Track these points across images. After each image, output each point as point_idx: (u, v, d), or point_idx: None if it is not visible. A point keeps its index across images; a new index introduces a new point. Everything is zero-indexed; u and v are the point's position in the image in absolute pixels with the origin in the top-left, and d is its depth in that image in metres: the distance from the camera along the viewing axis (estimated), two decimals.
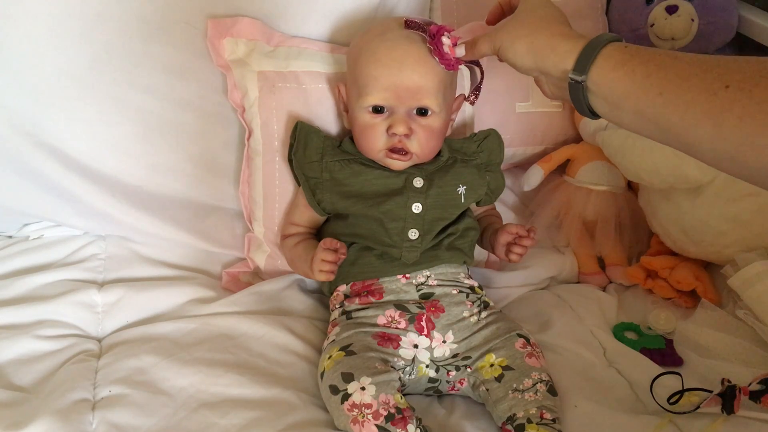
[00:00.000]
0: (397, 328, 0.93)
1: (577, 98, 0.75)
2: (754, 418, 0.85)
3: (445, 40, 0.90)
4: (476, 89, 0.98)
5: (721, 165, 0.66)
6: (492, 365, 0.91)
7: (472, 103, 1.00)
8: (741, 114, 0.61)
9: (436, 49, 0.90)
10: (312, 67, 1.06)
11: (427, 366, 0.93)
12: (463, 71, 1.12)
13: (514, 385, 0.88)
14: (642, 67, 0.69)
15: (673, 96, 0.66)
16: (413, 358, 0.92)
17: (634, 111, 0.70)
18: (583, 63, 0.73)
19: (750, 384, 0.87)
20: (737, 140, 0.62)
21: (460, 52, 0.89)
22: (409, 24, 0.94)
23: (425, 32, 0.92)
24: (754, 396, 0.86)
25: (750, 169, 0.63)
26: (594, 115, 0.77)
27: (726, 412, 0.85)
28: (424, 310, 0.94)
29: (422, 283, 0.97)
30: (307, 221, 1.03)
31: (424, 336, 0.93)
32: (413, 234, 0.96)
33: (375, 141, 0.95)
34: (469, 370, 0.93)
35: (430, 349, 0.93)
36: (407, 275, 0.97)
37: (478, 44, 0.86)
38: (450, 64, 0.91)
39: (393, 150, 0.94)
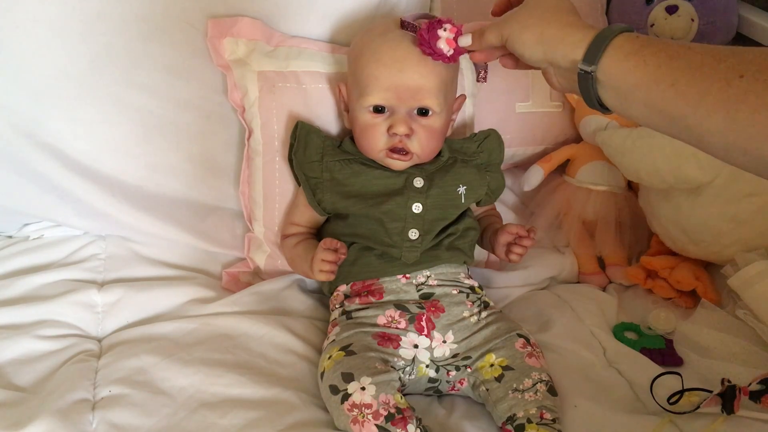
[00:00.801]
0: (397, 328, 0.93)
1: (587, 90, 0.74)
2: (754, 418, 0.85)
3: (442, 33, 0.88)
4: (483, 69, 0.96)
5: (732, 157, 0.65)
6: (492, 365, 0.91)
7: (485, 80, 0.96)
8: (755, 104, 0.60)
9: (427, 44, 0.88)
10: (312, 67, 1.06)
11: (427, 366, 0.93)
12: (464, 71, 1.11)
13: (514, 385, 0.88)
14: (653, 58, 0.68)
15: (685, 86, 0.65)
16: (413, 358, 0.92)
17: (645, 102, 0.69)
18: (593, 53, 0.71)
19: (750, 384, 0.87)
20: (751, 131, 0.61)
21: (466, 41, 0.87)
22: (403, 25, 0.93)
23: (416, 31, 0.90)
24: (754, 396, 0.86)
25: (763, 162, 0.62)
26: (603, 108, 0.76)
27: (726, 412, 0.85)
28: (424, 310, 0.94)
29: (422, 283, 0.97)
30: (307, 221, 1.03)
31: (424, 336, 0.93)
32: (413, 234, 0.96)
33: (376, 141, 0.95)
34: (469, 370, 0.93)
35: (430, 349, 0.93)
36: (407, 275, 0.97)
37: (485, 34, 0.83)
38: (445, 58, 0.89)
39: (393, 150, 0.95)
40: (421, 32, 0.89)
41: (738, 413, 0.85)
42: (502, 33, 0.81)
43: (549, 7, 0.78)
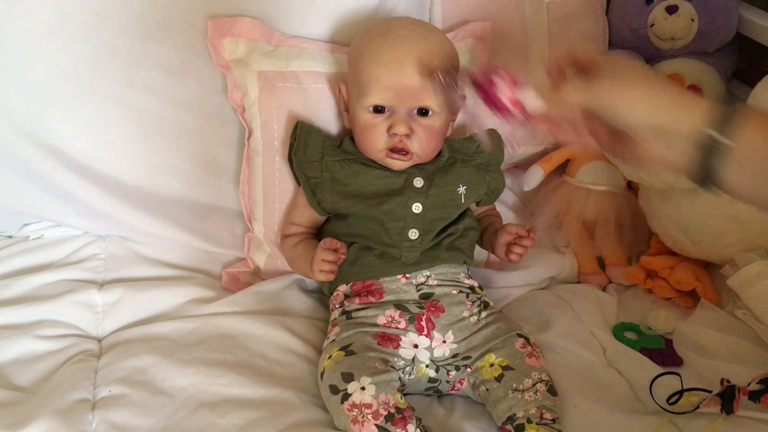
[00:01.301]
0: (397, 328, 0.93)
1: (703, 163, 0.64)
2: (754, 418, 0.85)
3: (500, 81, 0.73)
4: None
5: None
6: (492, 365, 0.91)
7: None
8: None
9: (488, 98, 0.74)
10: (312, 67, 1.06)
11: (426, 366, 0.93)
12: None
13: (514, 385, 0.88)
14: None
15: None
16: (413, 358, 0.92)
17: None
18: (728, 121, 0.62)
19: (749, 384, 0.87)
20: None
21: (535, 102, 0.73)
22: (439, 80, 0.82)
23: (456, 83, 0.78)
24: (754, 396, 0.86)
25: None
26: (711, 186, 0.66)
27: (725, 412, 0.85)
28: (424, 310, 0.94)
29: (422, 283, 0.97)
30: (307, 221, 1.03)
31: (424, 336, 0.93)
32: (413, 234, 0.96)
33: (375, 141, 0.95)
34: (468, 370, 0.93)
35: (430, 349, 0.93)
36: (407, 275, 0.97)
37: (565, 92, 0.71)
38: (511, 116, 0.73)
39: (393, 150, 0.95)
40: (478, 82, 0.75)
41: (737, 413, 0.85)
42: (592, 89, 0.69)
43: (645, 70, 0.70)
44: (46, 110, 1.03)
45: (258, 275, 1.11)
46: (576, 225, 1.22)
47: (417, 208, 0.96)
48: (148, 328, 0.97)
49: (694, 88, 1.31)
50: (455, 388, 0.94)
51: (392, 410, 0.81)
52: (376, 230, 0.97)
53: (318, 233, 1.05)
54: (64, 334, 0.96)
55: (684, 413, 0.87)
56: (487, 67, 0.75)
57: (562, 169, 1.28)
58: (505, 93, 0.73)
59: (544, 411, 0.85)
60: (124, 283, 1.04)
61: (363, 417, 0.80)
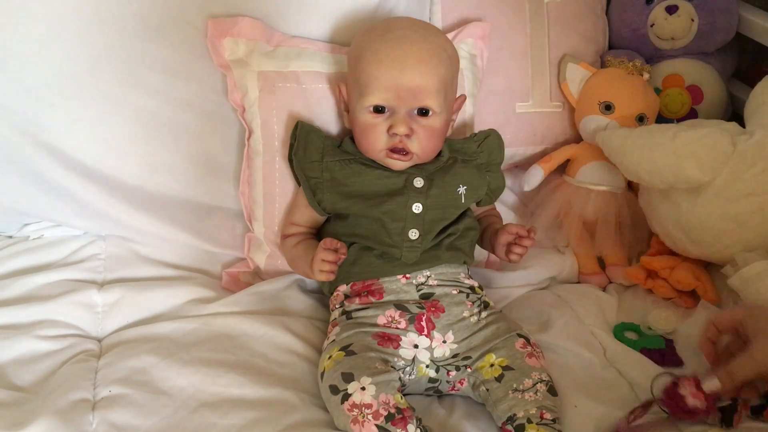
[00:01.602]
0: (397, 328, 0.93)
1: None
2: (753, 427, 0.85)
3: (683, 391, 0.80)
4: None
5: None
6: (492, 365, 0.91)
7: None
8: None
9: (683, 412, 0.80)
10: (312, 67, 1.06)
11: (427, 366, 0.93)
12: (463, 72, 1.11)
13: (514, 385, 0.88)
14: None
15: None
16: (413, 358, 0.92)
17: None
18: None
19: (750, 400, 0.86)
20: None
21: (714, 385, 0.78)
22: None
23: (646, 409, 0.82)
24: (755, 411, 0.85)
25: None
26: None
27: (725, 425, 0.84)
28: (424, 310, 0.94)
29: (422, 283, 0.97)
30: (307, 221, 1.03)
31: (424, 336, 0.93)
32: (413, 234, 0.96)
33: (376, 141, 0.95)
34: (469, 370, 0.93)
35: (430, 349, 0.93)
36: (407, 275, 0.97)
37: (736, 371, 0.75)
38: (705, 413, 0.79)
39: (394, 150, 0.95)
40: (666, 403, 0.82)
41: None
42: (762, 360, 0.71)
43: None
44: (46, 110, 1.03)
45: (258, 275, 1.11)
46: (576, 225, 1.21)
47: (417, 208, 0.96)
48: (148, 328, 0.97)
49: (694, 88, 1.32)
50: (455, 389, 0.94)
51: (392, 410, 0.81)
52: (376, 230, 0.97)
53: (318, 233, 1.05)
54: (64, 334, 0.96)
55: None
56: (668, 388, 0.81)
57: (562, 169, 1.28)
58: (695, 400, 0.80)
59: (544, 411, 0.85)
60: (124, 284, 1.04)
61: (363, 417, 0.80)
